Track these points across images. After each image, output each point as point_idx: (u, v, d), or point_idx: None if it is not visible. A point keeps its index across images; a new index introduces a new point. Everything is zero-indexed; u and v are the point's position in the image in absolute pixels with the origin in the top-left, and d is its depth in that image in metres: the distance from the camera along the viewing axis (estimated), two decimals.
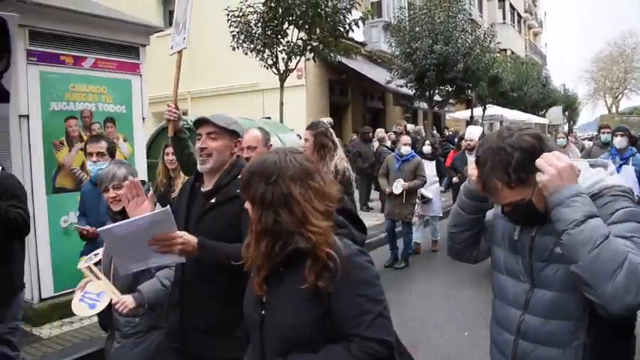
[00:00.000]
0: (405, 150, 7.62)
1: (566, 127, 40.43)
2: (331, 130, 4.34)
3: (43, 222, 5.22)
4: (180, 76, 3.75)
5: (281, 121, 10.25)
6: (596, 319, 1.64)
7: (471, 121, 21.77)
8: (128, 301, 2.71)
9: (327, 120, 4.45)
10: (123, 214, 2.82)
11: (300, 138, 11.55)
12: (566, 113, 42.07)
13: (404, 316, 5.59)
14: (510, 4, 38.89)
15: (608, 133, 7.66)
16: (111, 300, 2.76)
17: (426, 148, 8.96)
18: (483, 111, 23.17)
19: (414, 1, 19.67)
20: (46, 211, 5.26)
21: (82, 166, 5.49)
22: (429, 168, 8.35)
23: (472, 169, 1.89)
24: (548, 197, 1.63)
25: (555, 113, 34.62)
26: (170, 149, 6.73)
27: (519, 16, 42.94)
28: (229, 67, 16.82)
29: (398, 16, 16.65)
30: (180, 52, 3.74)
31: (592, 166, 1.85)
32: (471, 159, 8.02)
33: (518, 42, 41.43)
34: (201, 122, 2.63)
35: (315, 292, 1.62)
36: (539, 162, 1.64)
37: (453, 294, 6.38)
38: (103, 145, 4.12)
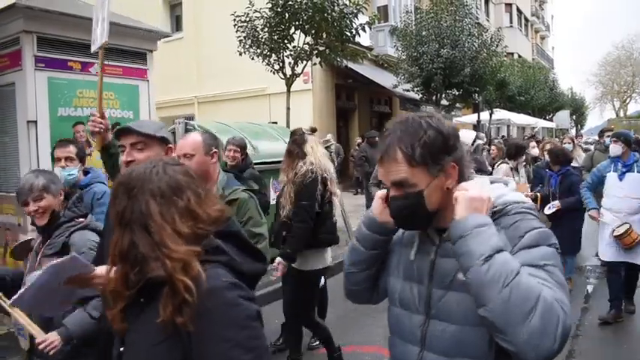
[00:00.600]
0: None
1: (573, 131, 40.19)
2: (305, 138, 4.27)
3: None
4: (103, 80, 3.39)
5: (287, 125, 10.25)
6: (504, 356, 1.42)
7: (478, 125, 21.71)
8: (55, 340, 2.37)
9: (306, 128, 4.32)
10: (49, 227, 2.66)
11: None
12: (574, 117, 41.84)
13: None
14: (517, 8, 38.82)
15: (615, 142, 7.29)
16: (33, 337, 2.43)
17: None
18: (490, 115, 23.09)
19: (421, 5, 19.67)
20: None
21: None
22: None
23: (378, 196, 1.68)
24: (451, 226, 1.47)
25: (563, 117, 34.40)
26: (494, 147, 8.47)
27: (526, 20, 42.86)
28: (236, 71, 16.87)
29: (404, 20, 16.65)
30: (102, 48, 3.34)
31: (493, 182, 1.66)
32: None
33: (525, 46, 41.34)
34: (122, 132, 2.36)
35: (173, 331, 1.34)
36: (461, 185, 1.50)
37: None
38: (71, 150, 3.88)
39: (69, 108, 5.35)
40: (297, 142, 4.24)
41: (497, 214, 1.53)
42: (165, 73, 17.20)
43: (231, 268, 1.44)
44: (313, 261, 4.29)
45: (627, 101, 70.24)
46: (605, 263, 5.91)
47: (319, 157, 4.22)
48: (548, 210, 6.26)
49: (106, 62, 5.63)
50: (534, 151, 9.54)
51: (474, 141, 8.72)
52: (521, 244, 1.46)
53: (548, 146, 7.47)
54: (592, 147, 15.78)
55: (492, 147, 8.79)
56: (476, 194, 1.45)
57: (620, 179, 5.43)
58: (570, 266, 6.47)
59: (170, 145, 2.44)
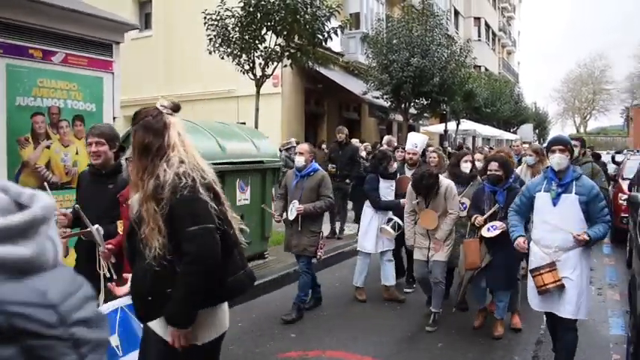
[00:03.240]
0: (301, 162, 5.85)
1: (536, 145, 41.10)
2: (165, 119, 2.47)
3: None
4: None
5: (256, 127, 10.11)
6: None
7: (445, 135, 21.94)
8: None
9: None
10: None
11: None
12: (537, 131, 42.80)
13: (378, 324, 5.51)
14: (485, 22, 39.58)
15: (562, 152, 5.25)
16: None
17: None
18: (457, 125, 23.40)
19: (392, 14, 19.81)
20: None
21: (48, 165, 5.28)
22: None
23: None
24: None
25: (526, 130, 35.15)
26: (434, 154, 7.39)
27: (494, 35, 43.71)
28: (205, 72, 16.67)
29: (376, 28, 16.72)
30: None
31: None
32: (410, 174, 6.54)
33: (492, 60, 42.15)
34: None
35: None
36: None
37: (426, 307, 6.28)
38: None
39: (28, 97, 5.11)
40: (151, 127, 2.44)
41: None
42: (133, 71, 16.87)
43: None
44: (204, 327, 2.49)
45: (587, 117, 72.52)
46: None
47: (190, 150, 2.51)
48: (489, 233, 5.07)
49: (71, 52, 5.46)
50: (465, 165, 6.27)
51: (426, 147, 8.02)
52: None
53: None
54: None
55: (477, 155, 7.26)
56: None
57: (554, 204, 4.13)
58: (503, 306, 5.34)
59: None
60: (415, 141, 7.03)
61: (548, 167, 4.36)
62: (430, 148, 8.16)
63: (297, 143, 13.43)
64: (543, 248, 4.21)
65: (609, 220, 4.12)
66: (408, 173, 6.75)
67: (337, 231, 9.87)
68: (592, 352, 5.01)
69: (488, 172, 5.41)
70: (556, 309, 4.20)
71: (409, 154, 6.93)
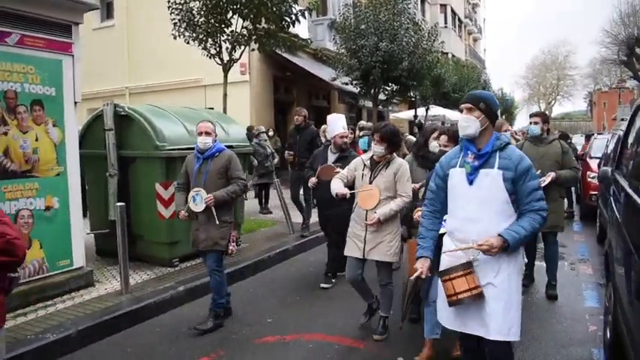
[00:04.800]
0: (207, 142, 5.00)
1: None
2: None
3: None
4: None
5: (224, 113, 9.90)
6: None
7: (414, 121, 21.99)
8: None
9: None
10: None
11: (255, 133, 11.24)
12: (504, 117, 43.35)
13: (357, 307, 5.41)
14: (452, 9, 39.77)
15: (536, 124, 5.81)
16: None
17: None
18: (426, 111, 23.48)
19: (359, 0, 19.70)
20: None
21: (6, 152, 5.01)
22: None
23: None
24: None
25: None
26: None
27: (460, 22, 43.99)
28: (170, 62, 16.37)
29: (343, 14, 16.59)
30: None
31: None
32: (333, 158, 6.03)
33: (459, 46, 42.43)
34: None
35: None
36: None
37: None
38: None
39: None
40: None
41: None
42: (96, 62, 16.44)
43: None
44: None
45: (552, 103, 73.91)
46: None
47: None
48: None
49: (27, 33, 5.18)
50: (434, 145, 4.96)
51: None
52: None
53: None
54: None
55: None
56: None
57: (470, 181, 3.05)
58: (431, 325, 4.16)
59: None
60: (342, 123, 6.44)
61: (464, 141, 3.16)
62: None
63: (268, 131, 13.31)
64: (458, 242, 3.09)
65: (543, 208, 2.97)
66: (332, 158, 6.22)
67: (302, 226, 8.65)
68: (569, 324, 5.02)
69: (439, 150, 4.53)
70: (474, 328, 3.04)
71: (343, 137, 6.31)
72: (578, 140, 23.00)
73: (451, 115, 25.69)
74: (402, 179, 4.57)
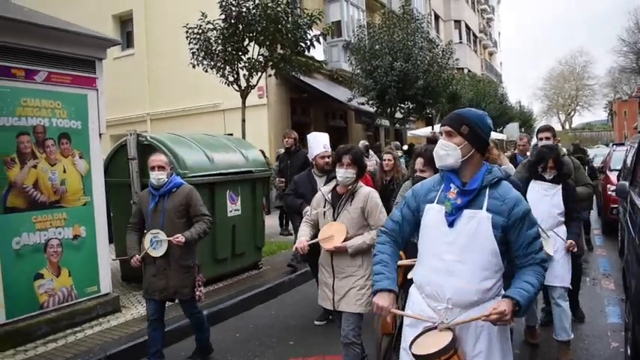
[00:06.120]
0: (161, 178, 4.46)
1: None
2: None
3: None
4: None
5: (243, 137, 10.11)
6: None
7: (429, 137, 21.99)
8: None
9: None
10: None
11: (264, 154, 11.44)
12: (523, 129, 43.09)
13: None
14: (466, 25, 39.92)
15: (547, 139, 5.41)
16: None
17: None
18: None
19: (373, 21, 19.94)
20: None
21: (36, 184, 5.22)
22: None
23: None
24: None
25: (512, 129, 35.39)
26: (389, 155, 6.81)
27: (475, 37, 44.10)
28: (189, 87, 16.67)
29: (358, 35, 16.82)
30: None
31: None
32: (322, 183, 4.85)
33: (475, 61, 42.49)
34: None
35: None
36: None
37: None
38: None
39: (12, 117, 5.05)
40: None
41: None
42: (118, 89, 16.85)
43: None
44: None
45: (572, 114, 73.32)
46: None
47: None
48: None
49: (53, 70, 5.42)
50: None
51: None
52: None
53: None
54: None
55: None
56: None
57: (450, 222, 2.42)
58: None
59: None
60: (324, 142, 5.94)
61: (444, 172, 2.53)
62: (385, 149, 7.34)
63: (263, 152, 13.32)
64: (429, 300, 2.47)
65: (545, 260, 2.44)
66: (320, 182, 5.50)
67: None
68: (591, 341, 5.02)
69: (415, 175, 4.06)
70: None
71: (324, 157, 5.76)
72: (598, 152, 22.52)
73: None
74: (373, 212, 3.84)
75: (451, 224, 2.40)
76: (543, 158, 4.64)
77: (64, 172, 5.51)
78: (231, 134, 9.83)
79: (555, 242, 4.55)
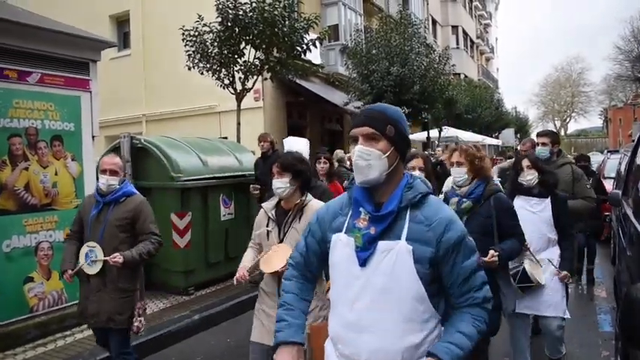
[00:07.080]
0: (108, 184, 3.84)
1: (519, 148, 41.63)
2: None
3: None
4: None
5: (238, 141, 10.08)
6: None
7: (427, 142, 22.09)
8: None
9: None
10: None
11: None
12: (518, 135, 43.24)
13: None
14: (463, 30, 40.01)
15: (544, 145, 5.13)
16: None
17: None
18: (439, 132, 23.55)
19: (370, 25, 19.96)
20: None
21: (27, 187, 5.19)
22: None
23: None
24: None
25: (508, 135, 35.57)
26: (323, 159, 6.20)
27: (472, 42, 44.19)
28: (185, 89, 16.62)
29: (355, 39, 16.82)
30: None
31: None
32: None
33: (472, 67, 42.58)
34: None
35: None
36: None
37: None
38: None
39: (4, 119, 5.03)
40: None
41: None
42: (114, 90, 16.80)
43: None
44: None
45: (567, 120, 73.50)
46: None
47: None
48: None
49: (47, 72, 5.40)
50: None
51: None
52: None
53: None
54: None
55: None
56: None
57: (362, 260, 1.87)
58: None
59: None
60: (301, 147, 5.54)
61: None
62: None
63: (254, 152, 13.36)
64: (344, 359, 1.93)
65: (487, 299, 1.89)
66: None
67: None
68: (582, 351, 5.02)
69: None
70: None
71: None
72: (594, 159, 22.44)
73: (464, 135, 25.76)
74: None
75: (363, 263, 1.82)
76: (517, 162, 4.18)
77: (56, 174, 5.48)
78: (226, 137, 9.80)
79: (547, 267, 3.95)
